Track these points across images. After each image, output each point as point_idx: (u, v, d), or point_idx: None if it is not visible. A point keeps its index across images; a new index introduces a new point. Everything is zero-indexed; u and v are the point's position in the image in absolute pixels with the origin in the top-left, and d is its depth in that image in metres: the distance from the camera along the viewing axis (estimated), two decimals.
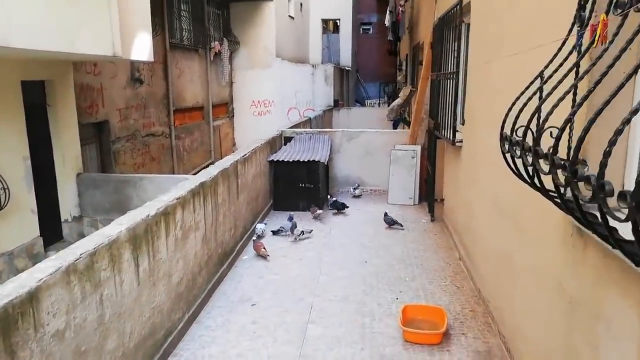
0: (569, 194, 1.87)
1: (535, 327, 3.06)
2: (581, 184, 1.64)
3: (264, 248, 5.66)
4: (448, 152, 6.62)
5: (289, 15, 17.54)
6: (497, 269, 3.96)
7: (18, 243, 5.87)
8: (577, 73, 2.14)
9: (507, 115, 2.48)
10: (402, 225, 6.59)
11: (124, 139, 8.99)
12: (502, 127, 2.51)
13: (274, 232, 6.45)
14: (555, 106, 2.00)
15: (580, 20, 2.20)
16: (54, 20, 4.76)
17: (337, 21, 24.91)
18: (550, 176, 1.89)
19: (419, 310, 4.12)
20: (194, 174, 10.81)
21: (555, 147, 1.85)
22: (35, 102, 6.37)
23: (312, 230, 6.42)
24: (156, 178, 7.03)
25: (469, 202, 5.09)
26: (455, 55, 5.70)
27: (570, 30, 2.29)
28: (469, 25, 5.45)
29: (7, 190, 5.50)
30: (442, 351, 3.63)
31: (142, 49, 6.80)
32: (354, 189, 8.39)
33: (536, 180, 2.14)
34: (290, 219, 6.50)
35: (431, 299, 4.49)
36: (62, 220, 6.86)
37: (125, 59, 6.47)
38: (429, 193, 7.30)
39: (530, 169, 2.17)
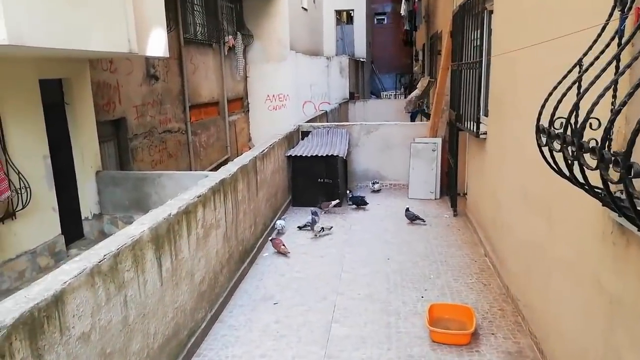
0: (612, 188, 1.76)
1: (572, 327, 2.94)
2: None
3: (284, 245, 5.59)
4: (471, 145, 6.46)
5: (302, 7, 17.39)
6: (527, 265, 3.82)
7: (40, 241, 5.91)
8: (619, 60, 2.00)
9: (543, 106, 2.34)
10: (424, 221, 6.47)
11: (141, 136, 9.01)
12: (538, 119, 2.37)
13: (300, 227, 6.38)
14: (601, 96, 1.87)
15: (623, 2, 2.06)
16: (68, 18, 4.73)
17: (351, 12, 24.65)
18: (590, 171, 1.78)
19: (446, 309, 4.01)
20: (212, 169, 10.86)
21: (604, 139, 1.72)
22: (54, 101, 6.39)
23: (332, 227, 6.34)
24: (174, 175, 7.04)
25: (495, 196, 4.95)
26: (478, 43, 5.53)
27: (611, 14, 2.15)
28: (491, 12, 5.27)
29: (28, 189, 5.54)
30: (472, 352, 3.52)
31: (157, 44, 6.77)
32: (373, 183, 8.28)
33: (579, 176, 2.01)
34: (315, 214, 6.44)
35: (457, 297, 4.38)
36: (83, 218, 6.91)
37: (141, 55, 6.45)
38: (450, 187, 7.15)
39: (571, 163, 2.04)
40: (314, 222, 6.24)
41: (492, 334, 3.76)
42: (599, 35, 2.15)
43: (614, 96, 2.00)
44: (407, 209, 6.58)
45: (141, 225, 3.00)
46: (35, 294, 2.03)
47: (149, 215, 3.23)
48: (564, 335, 3.06)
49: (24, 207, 5.52)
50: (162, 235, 3.16)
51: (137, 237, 2.84)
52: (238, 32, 13.80)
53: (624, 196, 1.61)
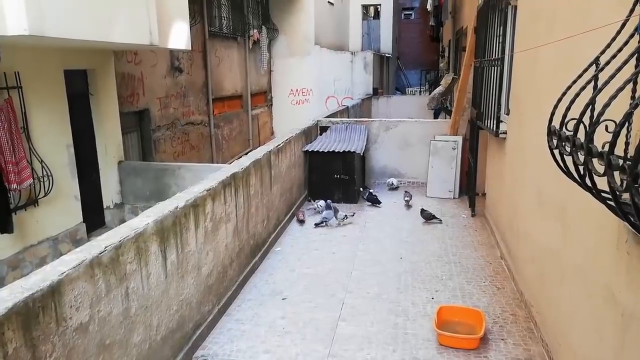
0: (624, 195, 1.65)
1: (583, 338, 2.82)
2: None
3: (302, 213, 6.47)
4: (491, 144, 6.29)
5: (329, 2, 17.27)
6: (541, 271, 3.69)
7: (62, 229, 6.06)
8: (638, 59, 1.87)
9: (555, 106, 2.23)
10: (440, 220, 6.34)
11: (164, 128, 9.14)
12: (550, 120, 2.26)
13: (317, 224, 6.32)
14: (613, 97, 1.76)
15: None
16: (90, 9, 4.79)
17: (378, 6, 24.34)
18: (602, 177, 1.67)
19: (456, 311, 3.92)
20: (231, 163, 10.93)
21: (613, 145, 1.62)
22: (78, 91, 6.52)
23: (354, 214, 6.52)
24: (194, 167, 7.11)
25: (512, 197, 4.80)
26: (501, 40, 5.35)
27: (632, 10, 2.02)
28: (515, 7, 5.09)
29: (50, 178, 5.68)
30: (479, 357, 3.42)
31: (179, 37, 6.82)
32: (390, 183, 8.18)
33: (588, 181, 1.91)
34: (328, 207, 6.45)
35: (469, 300, 4.27)
36: (105, 207, 7.05)
37: (163, 47, 6.51)
38: (470, 186, 6.99)
39: (581, 168, 1.93)
40: (336, 211, 6.38)
41: (502, 339, 3.65)
42: (618, 32, 2.03)
43: (633, 97, 1.89)
44: (422, 210, 6.46)
45: (146, 218, 3.02)
46: (31, 284, 2.06)
47: (155, 208, 3.25)
48: (575, 347, 2.94)
49: (46, 194, 5.66)
50: (167, 228, 3.18)
51: (141, 229, 2.86)
52: (263, 26, 13.81)
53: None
